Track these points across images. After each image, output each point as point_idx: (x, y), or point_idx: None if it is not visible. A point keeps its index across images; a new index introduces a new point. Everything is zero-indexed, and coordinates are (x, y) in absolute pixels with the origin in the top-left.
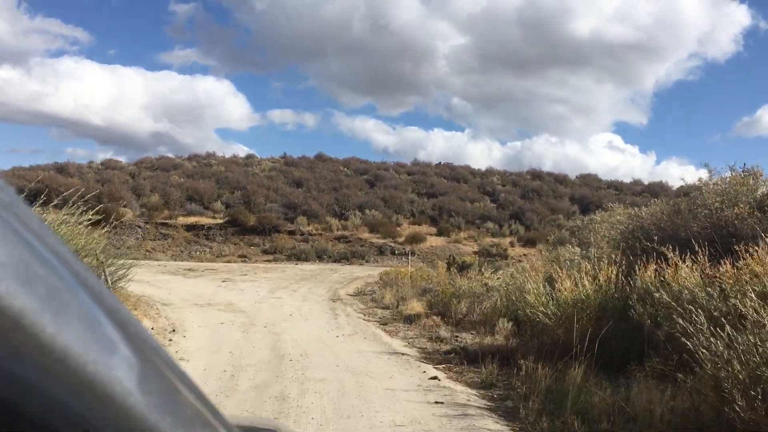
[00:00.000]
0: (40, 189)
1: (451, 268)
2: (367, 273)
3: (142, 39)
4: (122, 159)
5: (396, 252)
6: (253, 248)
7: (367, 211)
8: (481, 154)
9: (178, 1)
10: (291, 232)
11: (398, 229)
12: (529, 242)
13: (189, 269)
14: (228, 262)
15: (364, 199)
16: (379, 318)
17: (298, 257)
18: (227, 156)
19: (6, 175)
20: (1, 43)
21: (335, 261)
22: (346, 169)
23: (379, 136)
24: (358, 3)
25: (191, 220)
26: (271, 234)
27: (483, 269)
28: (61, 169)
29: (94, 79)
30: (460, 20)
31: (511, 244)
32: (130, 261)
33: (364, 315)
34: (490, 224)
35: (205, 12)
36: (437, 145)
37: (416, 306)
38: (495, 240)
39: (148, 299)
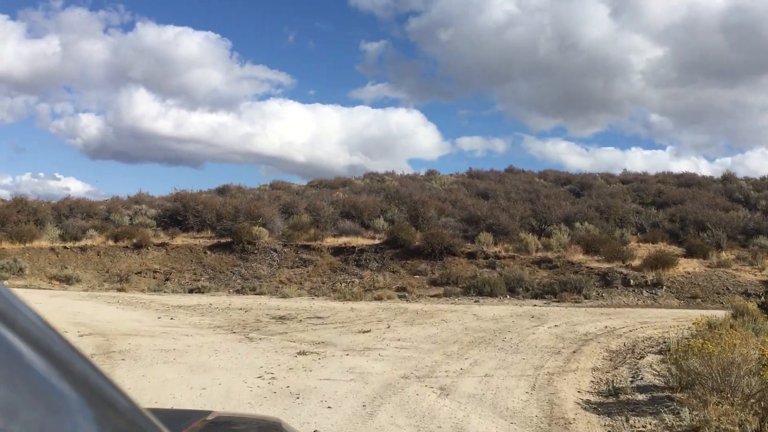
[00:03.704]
0: (177, 209)
1: None
2: (598, 325)
3: (338, 78)
4: (295, 180)
5: (631, 282)
6: (417, 278)
7: (578, 225)
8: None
9: (367, 41)
10: (470, 255)
11: (626, 248)
12: None
13: (282, 317)
14: (378, 298)
15: (571, 210)
16: None
17: (480, 290)
18: (407, 173)
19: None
20: (218, 91)
21: (535, 296)
22: (542, 180)
23: (572, 159)
24: (543, 24)
25: (341, 241)
26: (442, 257)
27: None
28: (222, 190)
29: (297, 118)
30: (656, 31)
31: None
32: None
33: None
34: (762, 240)
35: (393, 48)
36: (635, 165)
37: None
38: None
39: None
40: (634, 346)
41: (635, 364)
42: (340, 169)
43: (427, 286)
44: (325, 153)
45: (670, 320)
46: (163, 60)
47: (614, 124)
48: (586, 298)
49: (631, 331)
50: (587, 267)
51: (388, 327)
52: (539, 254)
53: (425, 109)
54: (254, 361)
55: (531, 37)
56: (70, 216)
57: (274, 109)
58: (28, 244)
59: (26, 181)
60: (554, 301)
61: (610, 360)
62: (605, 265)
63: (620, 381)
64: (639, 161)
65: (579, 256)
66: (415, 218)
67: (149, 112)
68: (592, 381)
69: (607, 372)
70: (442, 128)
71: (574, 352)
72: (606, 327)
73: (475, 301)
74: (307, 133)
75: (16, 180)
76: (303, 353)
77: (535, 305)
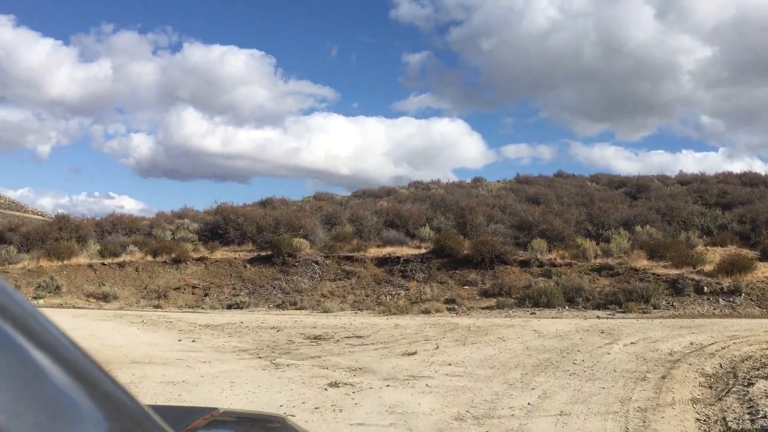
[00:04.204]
0: (218, 222)
1: None
2: (682, 341)
3: (381, 90)
4: (340, 193)
5: (705, 289)
6: (466, 288)
7: (638, 228)
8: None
9: (409, 52)
10: (523, 263)
11: (695, 252)
12: None
13: (317, 337)
14: (426, 312)
15: (630, 213)
16: None
17: (536, 301)
18: (452, 181)
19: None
20: (263, 107)
21: (597, 307)
22: (594, 183)
23: (621, 163)
24: (587, 29)
25: (385, 251)
26: (493, 266)
27: None
28: (266, 203)
29: (341, 132)
30: (705, 31)
31: None
32: None
33: None
34: None
35: (435, 59)
36: (687, 168)
37: None
38: None
39: None
40: (733, 368)
41: (745, 394)
42: (385, 180)
43: (477, 298)
44: (370, 165)
45: (761, 333)
46: (210, 78)
47: (664, 127)
48: (655, 308)
49: (723, 348)
50: (653, 273)
51: (437, 347)
52: (598, 261)
53: (469, 119)
54: (275, 396)
55: (575, 42)
56: (112, 232)
57: (318, 123)
58: (66, 262)
59: (82, 201)
60: (619, 312)
61: (710, 387)
62: (673, 271)
63: (735, 419)
64: (690, 164)
65: (643, 262)
66: (463, 226)
67: (198, 130)
68: (697, 419)
69: (711, 405)
70: (487, 137)
71: (662, 377)
72: (691, 343)
73: (531, 314)
74: (352, 146)
75: (73, 200)
76: (335, 384)
77: (599, 317)
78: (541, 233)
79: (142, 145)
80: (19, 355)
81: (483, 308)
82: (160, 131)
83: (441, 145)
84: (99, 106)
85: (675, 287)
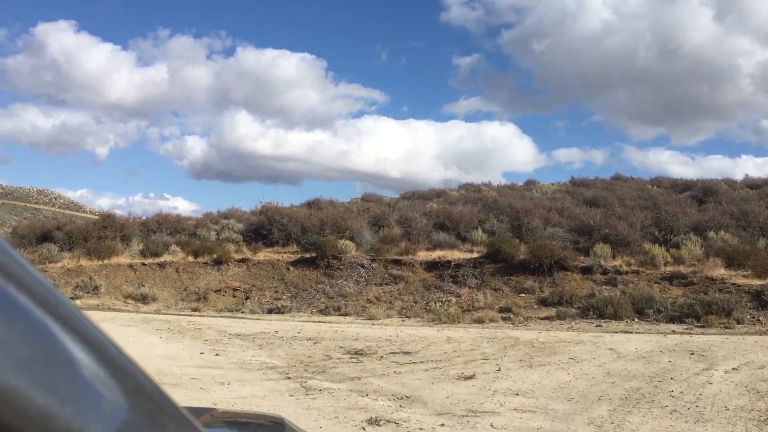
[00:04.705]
0: (262, 223)
1: None
2: None
3: (430, 93)
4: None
5: None
6: (523, 296)
7: (711, 234)
8: None
9: (460, 55)
10: (585, 270)
11: None
12: None
13: (358, 351)
14: (479, 321)
15: (701, 218)
16: None
17: (601, 312)
18: (504, 184)
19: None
20: (314, 110)
21: (671, 320)
22: (655, 187)
23: (677, 168)
24: (642, 30)
25: (435, 255)
26: (552, 273)
27: None
28: (313, 204)
29: (391, 135)
30: (766, 33)
31: None
32: None
33: None
34: None
35: (486, 61)
36: (748, 174)
37: None
38: None
39: None
40: None
41: None
42: (434, 183)
43: (535, 307)
44: (420, 168)
45: None
46: (263, 82)
47: (722, 132)
48: (738, 323)
49: None
50: (733, 284)
51: (499, 369)
52: (669, 269)
53: (520, 122)
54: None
55: (629, 44)
56: (157, 231)
57: (368, 126)
58: (106, 261)
59: (138, 202)
60: (698, 327)
61: None
62: (756, 282)
63: None
64: (750, 169)
65: (720, 271)
66: (518, 229)
67: (250, 133)
68: None
69: None
70: (538, 140)
71: None
72: None
73: (597, 326)
74: (402, 149)
75: (129, 201)
76: (375, 422)
77: (674, 331)
78: (604, 238)
79: (195, 147)
80: (21, 315)
81: (541, 318)
82: (214, 134)
83: (491, 149)
84: (155, 109)
85: (759, 299)
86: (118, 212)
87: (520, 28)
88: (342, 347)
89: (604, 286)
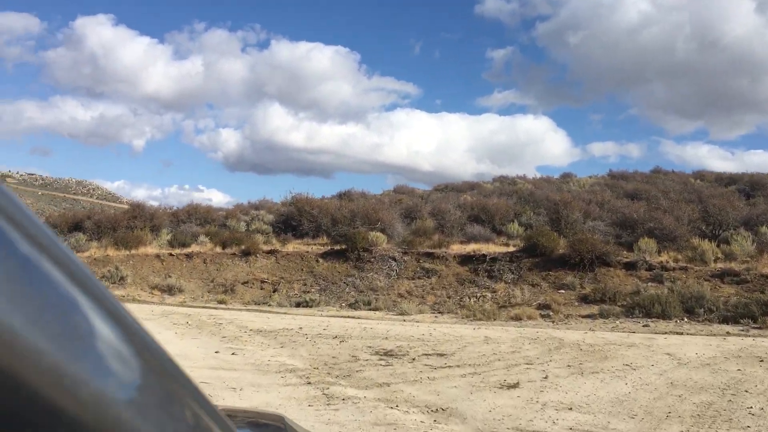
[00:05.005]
0: (292, 214)
1: None
2: None
3: (464, 86)
4: (418, 185)
5: None
6: (562, 293)
7: (763, 229)
8: None
9: (494, 48)
10: (629, 266)
11: None
12: None
13: (388, 352)
14: (516, 318)
15: (751, 213)
16: None
17: (647, 311)
18: (539, 176)
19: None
20: (347, 103)
21: (724, 320)
22: (698, 180)
23: (716, 163)
24: (681, 22)
25: (469, 248)
26: (593, 268)
27: None
28: (344, 195)
29: (423, 128)
30: None
31: None
32: None
33: None
34: None
35: (520, 54)
36: None
37: None
38: None
39: None
40: None
41: None
42: (466, 177)
43: (576, 304)
44: (452, 161)
45: None
46: (296, 75)
47: (763, 125)
48: None
49: None
50: None
51: (546, 377)
52: (719, 265)
53: (554, 115)
54: None
55: (668, 37)
56: (187, 222)
57: (401, 119)
58: (133, 251)
59: (173, 193)
60: (754, 328)
61: None
62: None
63: None
64: None
65: None
66: (557, 222)
67: (283, 125)
68: None
69: None
70: (573, 134)
71: None
72: None
73: (644, 326)
74: (434, 142)
75: (165, 192)
76: None
77: (728, 333)
78: (648, 232)
79: (230, 139)
80: (24, 261)
81: (583, 316)
82: (247, 126)
83: (525, 142)
84: (190, 102)
85: None
86: (154, 203)
87: (555, 20)
88: (370, 347)
89: (649, 283)
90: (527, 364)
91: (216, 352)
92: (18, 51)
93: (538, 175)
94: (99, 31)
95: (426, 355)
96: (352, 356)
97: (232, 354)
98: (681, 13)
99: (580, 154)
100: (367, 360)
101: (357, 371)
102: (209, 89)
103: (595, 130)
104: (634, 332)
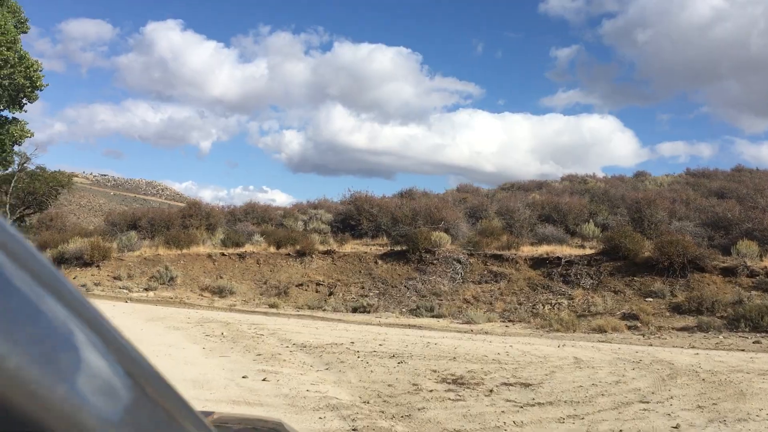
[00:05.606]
0: (350, 213)
1: None
2: None
3: (527, 86)
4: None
5: None
6: (650, 301)
7: None
8: None
9: (558, 47)
10: (726, 271)
11: None
12: None
13: (458, 379)
14: (600, 330)
15: None
16: None
17: (755, 324)
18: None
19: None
20: (409, 104)
21: None
22: None
23: None
24: (755, 16)
25: (541, 250)
26: (685, 273)
27: None
28: (406, 194)
29: (486, 128)
30: None
31: None
32: None
33: None
34: None
35: (585, 53)
36: None
37: None
38: None
39: None
40: None
41: None
42: (529, 177)
43: (667, 314)
44: (515, 162)
45: None
46: (358, 76)
47: None
48: None
49: None
50: None
51: (676, 426)
52: None
53: (620, 115)
54: None
55: (741, 32)
56: (244, 221)
57: (463, 119)
58: (185, 250)
59: (239, 194)
60: None
61: None
62: None
63: None
64: None
65: None
66: (639, 222)
67: (345, 127)
68: None
69: None
70: (640, 134)
71: None
72: None
73: (754, 342)
74: (496, 143)
75: (231, 193)
76: None
77: None
78: (746, 233)
79: (293, 141)
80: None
81: (677, 329)
82: (310, 128)
83: (590, 142)
84: (255, 104)
85: None
86: (220, 204)
87: (622, 17)
88: (435, 371)
89: (753, 291)
90: (642, 402)
91: (243, 377)
92: (91, 56)
93: (608, 175)
94: (168, 36)
95: (506, 384)
96: (413, 384)
97: (263, 380)
98: (755, 7)
99: (648, 154)
100: (431, 391)
101: (419, 409)
102: (273, 91)
103: (664, 129)
104: (743, 350)
